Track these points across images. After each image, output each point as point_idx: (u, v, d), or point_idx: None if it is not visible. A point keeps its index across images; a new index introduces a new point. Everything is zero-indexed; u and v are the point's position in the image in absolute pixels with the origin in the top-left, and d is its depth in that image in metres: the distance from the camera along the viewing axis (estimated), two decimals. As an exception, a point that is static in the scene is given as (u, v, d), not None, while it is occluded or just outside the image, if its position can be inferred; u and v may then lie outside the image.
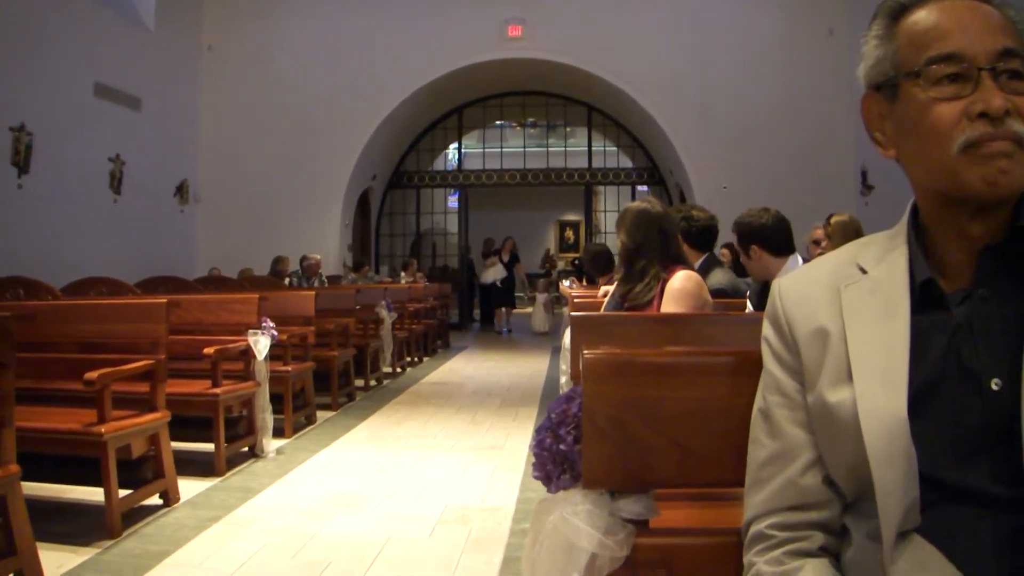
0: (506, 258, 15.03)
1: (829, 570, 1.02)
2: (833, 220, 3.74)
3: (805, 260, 3.55)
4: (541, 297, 14.57)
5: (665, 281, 3.10)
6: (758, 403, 1.15)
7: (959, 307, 0.98)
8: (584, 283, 8.89)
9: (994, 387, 0.92)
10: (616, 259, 4.64)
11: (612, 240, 5.72)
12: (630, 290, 3.18)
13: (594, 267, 6.91)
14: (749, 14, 12.71)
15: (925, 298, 1.01)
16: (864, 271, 1.07)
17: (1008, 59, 0.96)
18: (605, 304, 3.54)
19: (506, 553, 3.30)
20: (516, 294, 16.17)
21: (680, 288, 3.05)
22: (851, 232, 3.78)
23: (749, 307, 3.61)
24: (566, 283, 7.13)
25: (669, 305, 3.03)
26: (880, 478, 0.94)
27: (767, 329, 1.16)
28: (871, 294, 1.05)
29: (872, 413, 0.96)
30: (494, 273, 14.67)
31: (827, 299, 1.08)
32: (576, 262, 10.52)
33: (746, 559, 1.10)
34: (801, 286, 1.13)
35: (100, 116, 10.29)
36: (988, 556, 0.90)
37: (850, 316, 1.04)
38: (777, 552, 1.05)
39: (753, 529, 1.10)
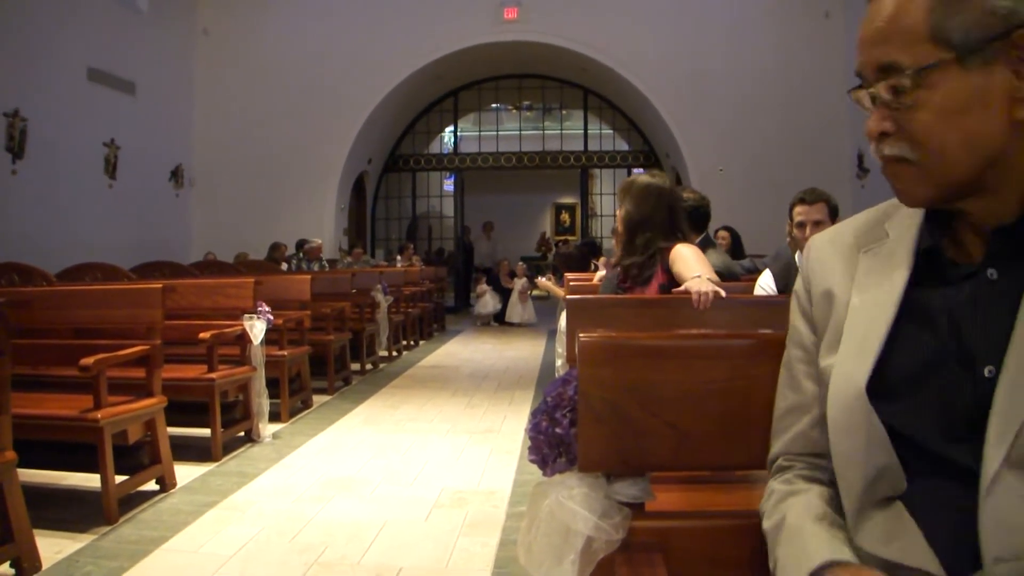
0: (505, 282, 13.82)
1: (830, 497, 1.05)
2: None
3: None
4: (518, 283, 12.96)
5: (665, 257, 3.07)
6: (785, 355, 1.18)
7: (964, 282, 0.96)
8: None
9: (987, 374, 0.90)
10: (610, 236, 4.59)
11: (608, 223, 5.62)
12: (631, 265, 3.15)
13: (568, 270, 6.79)
14: (745, -4, 12.66)
15: (932, 267, 0.99)
16: (888, 234, 1.06)
17: (888, 75, 0.93)
18: (603, 283, 3.53)
19: (502, 536, 3.31)
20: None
21: (691, 252, 3.01)
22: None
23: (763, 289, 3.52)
24: (542, 279, 7.15)
25: (679, 264, 2.97)
26: (838, 446, 0.96)
27: (798, 283, 1.18)
28: (884, 259, 1.04)
29: (839, 381, 0.98)
30: (485, 305, 13.37)
31: (845, 262, 1.08)
32: (553, 266, 10.23)
33: (768, 486, 1.15)
34: (828, 245, 1.14)
35: (94, 101, 10.23)
36: (970, 533, 0.88)
37: (859, 282, 1.04)
38: (790, 474, 1.11)
39: (776, 463, 1.16)
